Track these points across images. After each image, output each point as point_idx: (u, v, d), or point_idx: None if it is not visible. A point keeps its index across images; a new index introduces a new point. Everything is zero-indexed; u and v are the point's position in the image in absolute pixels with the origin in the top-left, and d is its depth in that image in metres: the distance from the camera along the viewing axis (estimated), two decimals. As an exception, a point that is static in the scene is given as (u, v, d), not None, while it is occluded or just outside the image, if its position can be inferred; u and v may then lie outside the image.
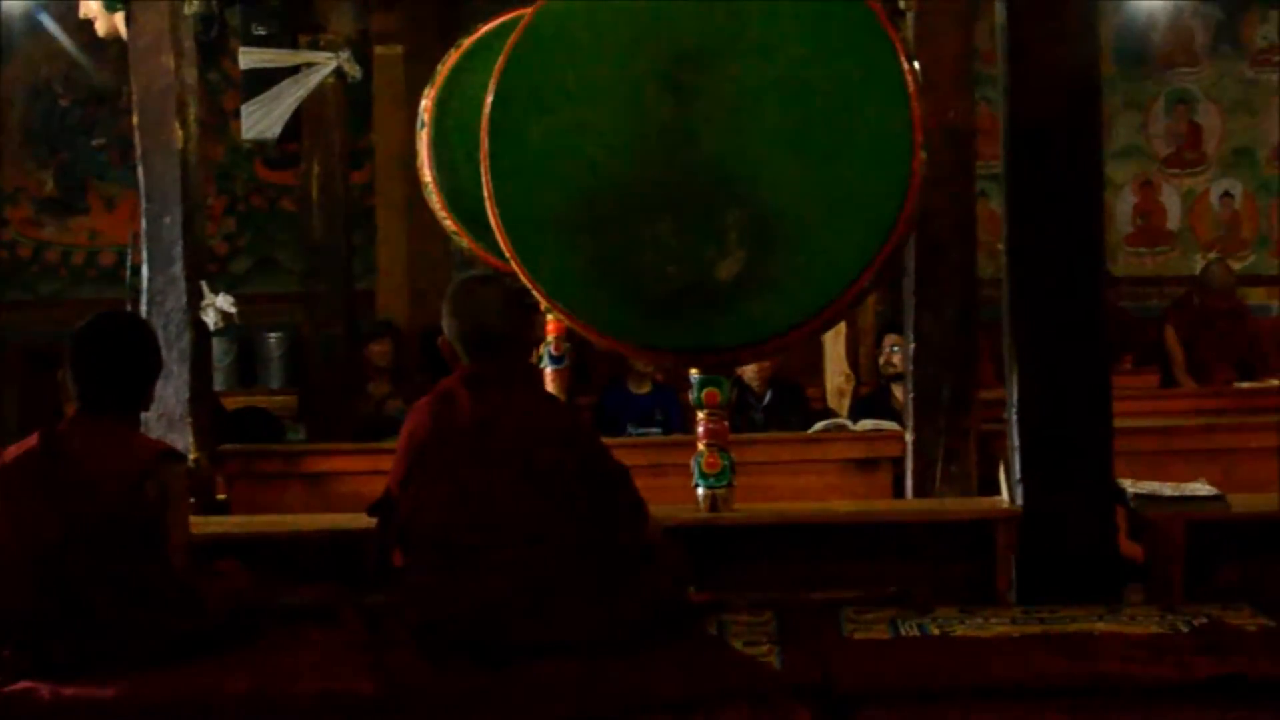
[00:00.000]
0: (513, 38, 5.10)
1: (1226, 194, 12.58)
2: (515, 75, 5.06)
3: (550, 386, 6.16)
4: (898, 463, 6.91)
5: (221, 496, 6.87)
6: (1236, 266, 11.36)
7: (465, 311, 4.43)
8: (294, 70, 8.85)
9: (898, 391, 8.09)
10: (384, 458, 6.84)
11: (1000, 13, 5.22)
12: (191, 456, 6.24)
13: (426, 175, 6.28)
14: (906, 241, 5.39)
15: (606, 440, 4.71)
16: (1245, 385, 9.53)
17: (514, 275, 5.08)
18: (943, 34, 6.54)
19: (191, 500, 5.20)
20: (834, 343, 9.30)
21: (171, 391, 6.29)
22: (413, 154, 6.57)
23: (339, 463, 7.14)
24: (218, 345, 10.28)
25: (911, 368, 6.60)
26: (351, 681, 4.04)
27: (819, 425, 7.74)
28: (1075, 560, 5.06)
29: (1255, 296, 11.62)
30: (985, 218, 8.20)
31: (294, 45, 9.09)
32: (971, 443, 6.56)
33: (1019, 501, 5.16)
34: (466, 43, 6.32)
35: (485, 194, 5.07)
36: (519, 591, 4.11)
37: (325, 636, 4.44)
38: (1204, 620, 4.60)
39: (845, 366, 9.43)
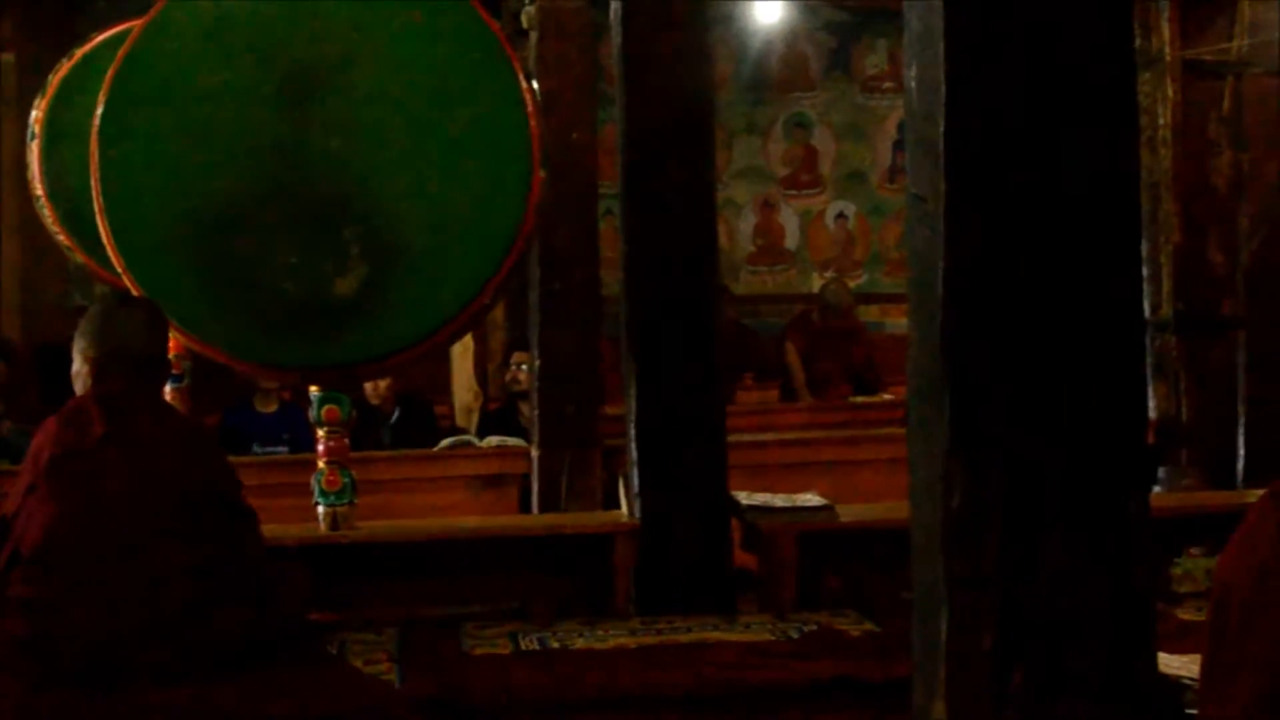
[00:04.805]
0: (125, 45, 4.98)
1: (841, 215, 13.01)
2: (126, 85, 4.93)
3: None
4: (525, 479, 6.97)
5: None
6: (851, 285, 11.74)
7: (103, 334, 4.28)
8: (-104, 76, 8.49)
9: (525, 408, 8.15)
10: (-10, 480, 6.63)
11: (617, 34, 5.31)
12: None
13: (38, 188, 6.06)
14: (526, 258, 5.44)
15: (232, 459, 4.62)
16: (860, 399, 9.88)
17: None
18: (566, 54, 6.66)
19: None
20: (462, 360, 9.33)
21: None
22: (24, 166, 6.34)
23: (-59, 486, 6.84)
24: None
25: (537, 384, 6.68)
26: (-53, 712, 3.87)
27: (446, 442, 7.75)
28: (690, 572, 5.18)
29: (868, 314, 12.03)
30: (610, 235, 8.33)
31: (-104, 50, 8.73)
32: (596, 458, 6.67)
33: (637, 515, 5.25)
34: (80, 52, 6.12)
35: (96, 207, 4.93)
36: (134, 612, 3.98)
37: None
38: (814, 627, 4.76)
39: (473, 383, 9.46)
